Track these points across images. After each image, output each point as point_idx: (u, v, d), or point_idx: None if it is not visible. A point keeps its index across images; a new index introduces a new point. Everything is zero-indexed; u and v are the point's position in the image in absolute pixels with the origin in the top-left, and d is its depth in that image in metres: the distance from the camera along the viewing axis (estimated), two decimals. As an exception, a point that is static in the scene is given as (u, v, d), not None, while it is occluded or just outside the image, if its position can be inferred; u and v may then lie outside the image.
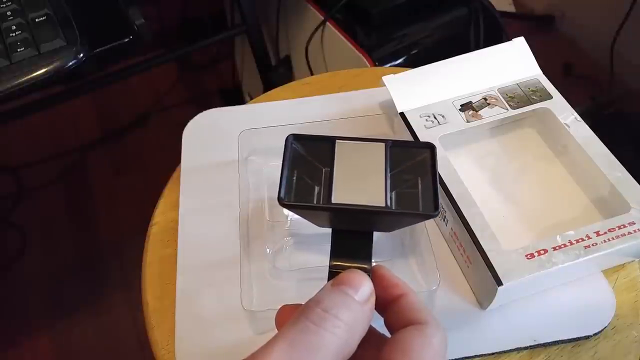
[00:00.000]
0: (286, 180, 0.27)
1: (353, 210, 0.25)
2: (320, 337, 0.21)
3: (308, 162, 0.27)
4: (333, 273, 0.25)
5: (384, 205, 0.25)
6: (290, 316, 0.23)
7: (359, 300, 0.23)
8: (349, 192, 0.26)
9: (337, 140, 0.27)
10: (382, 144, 0.27)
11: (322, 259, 0.40)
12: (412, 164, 0.27)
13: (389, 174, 0.26)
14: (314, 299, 0.23)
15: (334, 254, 0.26)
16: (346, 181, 0.26)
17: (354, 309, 0.23)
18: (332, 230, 0.27)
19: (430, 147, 0.27)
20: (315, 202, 0.26)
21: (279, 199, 0.26)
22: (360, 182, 0.26)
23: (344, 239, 0.27)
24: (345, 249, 0.26)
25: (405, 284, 0.26)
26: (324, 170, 0.27)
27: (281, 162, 0.27)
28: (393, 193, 0.26)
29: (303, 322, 0.21)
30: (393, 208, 0.25)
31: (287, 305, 0.27)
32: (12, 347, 1.01)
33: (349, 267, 0.25)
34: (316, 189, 0.27)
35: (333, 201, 0.25)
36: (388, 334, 0.25)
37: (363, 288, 0.23)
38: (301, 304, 0.23)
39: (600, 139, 0.41)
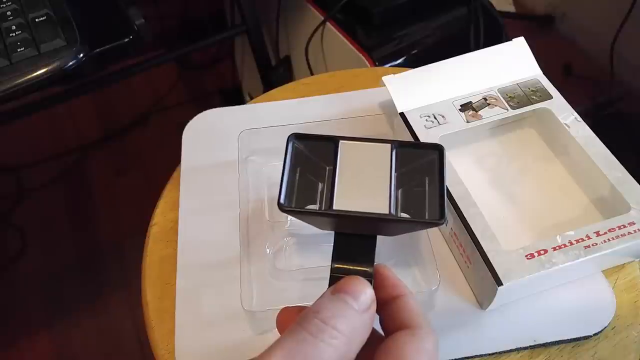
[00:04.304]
0: (287, 183, 0.26)
1: (355, 217, 0.25)
2: (318, 349, 0.21)
3: (311, 160, 0.27)
4: (334, 277, 0.25)
5: (387, 212, 0.24)
6: (291, 319, 0.23)
7: (359, 309, 0.23)
8: (351, 196, 0.25)
9: (340, 141, 0.27)
10: (388, 145, 0.26)
11: (322, 259, 0.40)
12: (419, 165, 0.26)
13: (394, 177, 0.26)
14: (313, 308, 0.23)
15: (336, 257, 0.26)
16: (349, 185, 0.25)
17: (353, 318, 0.22)
18: (335, 232, 0.27)
19: (439, 149, 0.26)
20: (317, 204, 0.26)
21: (279, 205, 0.25)
22: (363, 186, 0.25)
23: (346, 241, 0.26)
24: (347, 251, 0.26)
25: (404, 285, 0.26)
26: (327, 168, 0.26)
27: (282, 163, 0.26)
28: (399, 191, 0.26)
29: (301, 332, 0.21)
30: (396, 215, 0.25)
31: (288, 307, 0.27)
32: (12, 347, 1.01)
33: (351, 270, 0.25)
34: (320, 186, 0.26)
35: (335, 207, 0.25)
36: (381, 331, 0.25)
37: (363, 296, 0.23)
38: (303, 307, 0.23)
39: (600, 139, 0.41)
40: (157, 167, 1.18)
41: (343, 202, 0.25)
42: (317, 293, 0.24)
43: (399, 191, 0.26)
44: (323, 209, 0.25)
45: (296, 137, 0.27)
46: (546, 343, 0.36)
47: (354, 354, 0.22)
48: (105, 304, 1.05)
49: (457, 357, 0.35)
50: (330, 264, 0.25)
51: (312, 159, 0.27)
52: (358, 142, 0.27)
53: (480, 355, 0.36)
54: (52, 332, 1.02)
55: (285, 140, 0.27)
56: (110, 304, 1.05)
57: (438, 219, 0.25)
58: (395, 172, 0.26)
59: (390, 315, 0.25)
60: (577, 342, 0.36)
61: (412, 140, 0.42)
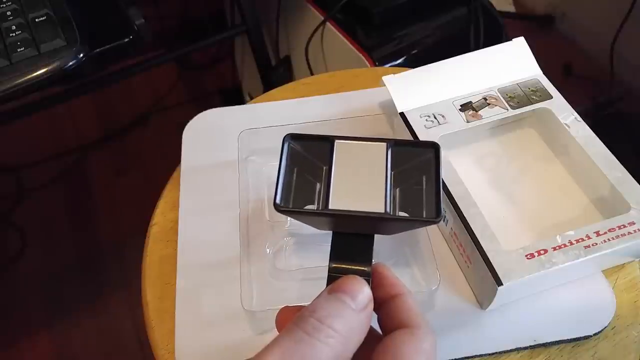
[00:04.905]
0: (283, 184, 0.26)
1: (350, 217, 0.25)
2: (314, 348, 0.21)
3: (308, 160, 0.27)
4: (332, 277, 0.25)
5: (383, 211, 0.24)
6: (290, 318, 0.23)
7: (356, 308, 0.23)
8: (347, 196, 0.25)
9: (336, 140, 0.27)
10: (384, 144, 0.26)
11: (322, 259, 0.40)
12: (415, 164, 0.26)
13: (390, 176, 0.26)
14: (310, 307, 0.23)
15: (334, 256, 0.26)
16: (345, 184, 0.25)
17: (350, 318, 0.22)
18: (333, 232, 0.27)
19: (435, 147, 0.26)
20: (315, 203, 0.26)
21: (275, 205, 0.25)
22: (359, 185, 0.25)
23: (344, 241, 0.26)
24: (345, 251, 0.26)
25: (403, 284, 0.26)
26: (324, 168, 0.26)
27: (278, 164, 0.26)
28: (396, 190, 0.26)
29: (297, 332, 0.21)
30: (392, 214, 0.25)
31: (287, 306, 0.27)
32: (12, 347, 1.01)
33: (349, 269, 0.25)
34: (318, 186, 0.26)
35: (330, 207, 0.25)
36: (379, 329, 0.25)
37: (361, 295, 0.23)
38: (302, 306, 0.23)
39: (600, 139, 0.41)
40: (157, 167, 1.18)
41: (339, 201, 0.25)
42: (316, 293, 0.24)
43: (396, 190, 0.26)
44: (319, 209, 0.25)
45: (292, 138, 0.27)
46: (546, 343, 0.36)
47: (351, 353, 0.22)
48: (105, 304, 1.05)
49: (457, 357, 0.35)
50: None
51: (309, 159, 0.27)
52: (353, 141, 0.27)
53: (480, 355, 0.36)
54: (52, 332, 1.02)
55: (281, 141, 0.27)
56: (110, 304, 1.05)
57: (434, 217, 0.25)
58: (392, 170, 0.26)
59: (389, 315, 0.25)
60: (577, 342, 0.36)
61: (411, 139, 0.42)
